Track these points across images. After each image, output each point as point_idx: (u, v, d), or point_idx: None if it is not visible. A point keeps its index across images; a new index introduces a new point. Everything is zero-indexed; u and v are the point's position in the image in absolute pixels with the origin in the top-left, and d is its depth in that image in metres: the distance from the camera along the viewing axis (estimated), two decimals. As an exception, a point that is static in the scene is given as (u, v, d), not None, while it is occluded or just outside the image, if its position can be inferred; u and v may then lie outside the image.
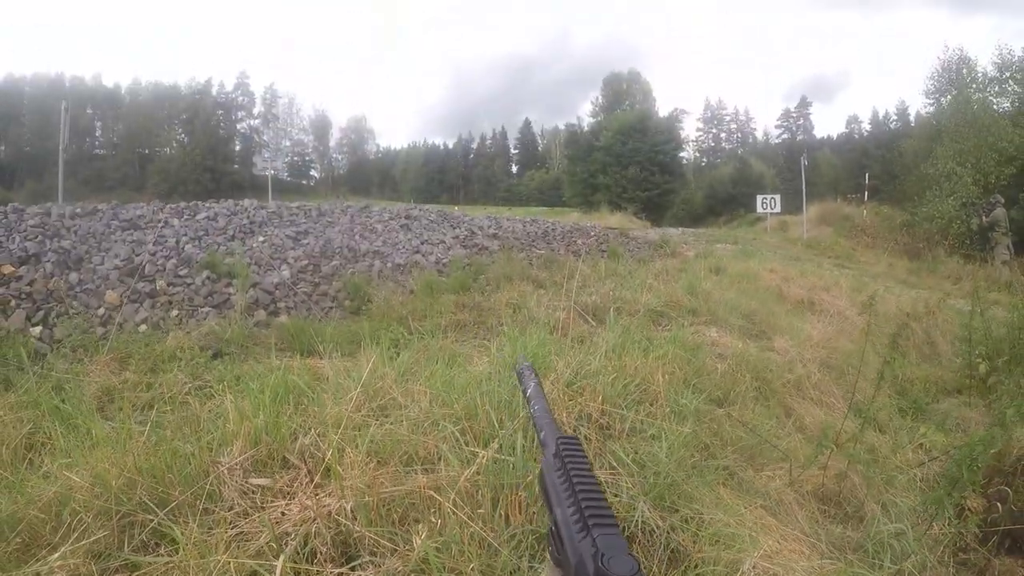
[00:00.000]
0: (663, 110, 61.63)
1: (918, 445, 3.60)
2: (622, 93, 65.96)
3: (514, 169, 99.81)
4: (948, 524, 2.57)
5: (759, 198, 24.30)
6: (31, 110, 73.96)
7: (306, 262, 7.38)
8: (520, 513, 1.92)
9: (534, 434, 2.23)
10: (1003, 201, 15.33)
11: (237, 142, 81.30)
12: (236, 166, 76.38)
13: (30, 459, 2.55)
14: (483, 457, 2.04)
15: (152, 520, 1.88)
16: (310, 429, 2.34)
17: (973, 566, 2.58)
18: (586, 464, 0.71)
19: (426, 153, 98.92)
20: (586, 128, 55.91)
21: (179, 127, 78.25)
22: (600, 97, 67.97)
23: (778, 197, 23.80)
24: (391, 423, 2.33)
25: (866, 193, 26.01)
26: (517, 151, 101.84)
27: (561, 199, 54.27)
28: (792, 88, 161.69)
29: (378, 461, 2.06)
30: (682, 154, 54.06)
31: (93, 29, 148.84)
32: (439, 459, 2.14)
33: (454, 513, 1.84)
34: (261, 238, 8.26)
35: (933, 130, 24.22)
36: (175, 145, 77.23)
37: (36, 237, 6.84)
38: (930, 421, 4.24)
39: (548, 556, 0.69)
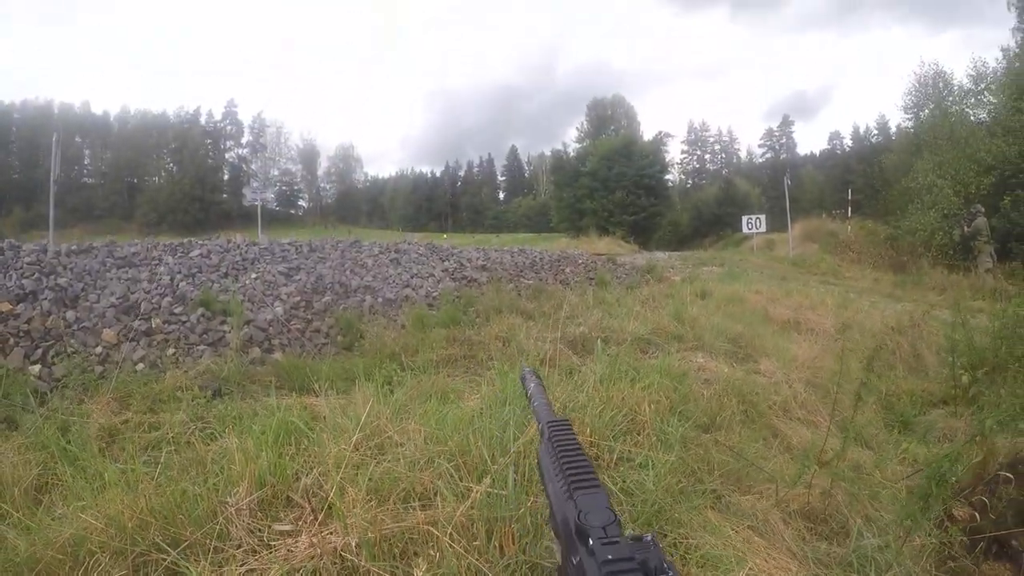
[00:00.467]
0: (647, 134, 62.74)
1: (902, 459, 3.64)
2: (607, 118, 66.78)
3: (501, 196, 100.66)
4: (929, 535, 2.59)
5: (744, 218, 24.65)
6: (20, 137, 74.11)
7: (298, 298, 7.44)
8: (513, 544, 1.99)
9: (533, 452, 2.32)
10: (984, 210, 15.60)
11: (225, 172, 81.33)
12: (224, 195, 76.36)
13: (40, 500, 2.60)
14: (477, 492, 2.11)
15: (165, 559, 1.94)
16: (312, 469, 2.41)
17: (959, 573, 2.60)
18: (572, 440, 0.79)
19: (414, 181, 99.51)
20: (572, 154, 56.34)
21: (168, 156, 78.35)
22: (585, 123, 68.76)
23: (763, 217, 24.18)
24: (388, 461, 2.39)
25: (849, 208, 26.40)
26: (504, 178, 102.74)
27: (549, 225, 54.44)
28: (774, 107, 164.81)
29: (378, 499, 2.14)
30: (667, 176, 54.47)
31: (82, 56, 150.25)
32: (435, 495, 2.20)
33: (451, 546, 1.90)
34: (254, 275, 8.31)
35: (913, 144, 24.65)
36: (164, 174, 77.34)
37: (33, 274, 6.89)
38: (914, 434, 4.31)
39: (550, 531, 0.75)
